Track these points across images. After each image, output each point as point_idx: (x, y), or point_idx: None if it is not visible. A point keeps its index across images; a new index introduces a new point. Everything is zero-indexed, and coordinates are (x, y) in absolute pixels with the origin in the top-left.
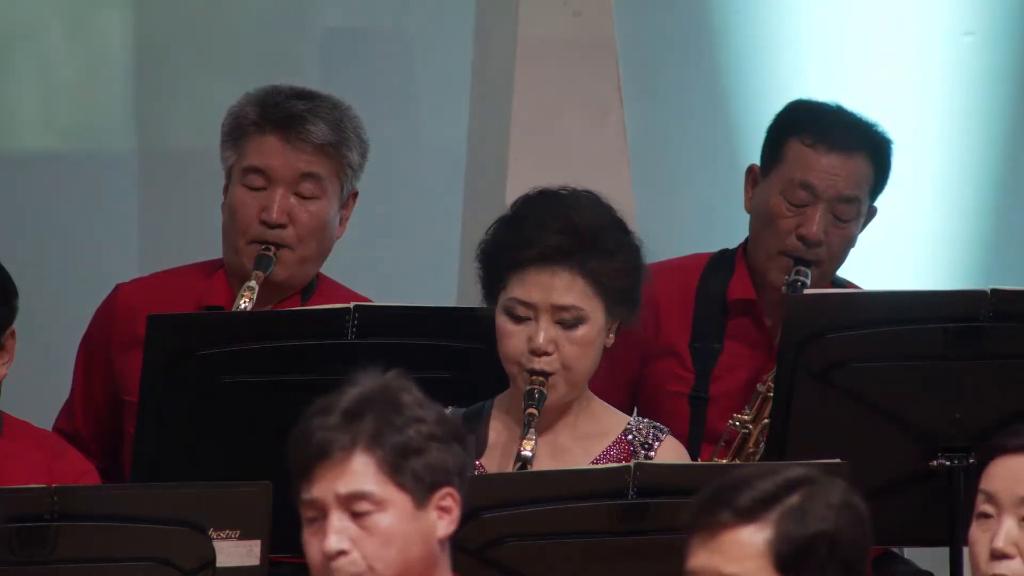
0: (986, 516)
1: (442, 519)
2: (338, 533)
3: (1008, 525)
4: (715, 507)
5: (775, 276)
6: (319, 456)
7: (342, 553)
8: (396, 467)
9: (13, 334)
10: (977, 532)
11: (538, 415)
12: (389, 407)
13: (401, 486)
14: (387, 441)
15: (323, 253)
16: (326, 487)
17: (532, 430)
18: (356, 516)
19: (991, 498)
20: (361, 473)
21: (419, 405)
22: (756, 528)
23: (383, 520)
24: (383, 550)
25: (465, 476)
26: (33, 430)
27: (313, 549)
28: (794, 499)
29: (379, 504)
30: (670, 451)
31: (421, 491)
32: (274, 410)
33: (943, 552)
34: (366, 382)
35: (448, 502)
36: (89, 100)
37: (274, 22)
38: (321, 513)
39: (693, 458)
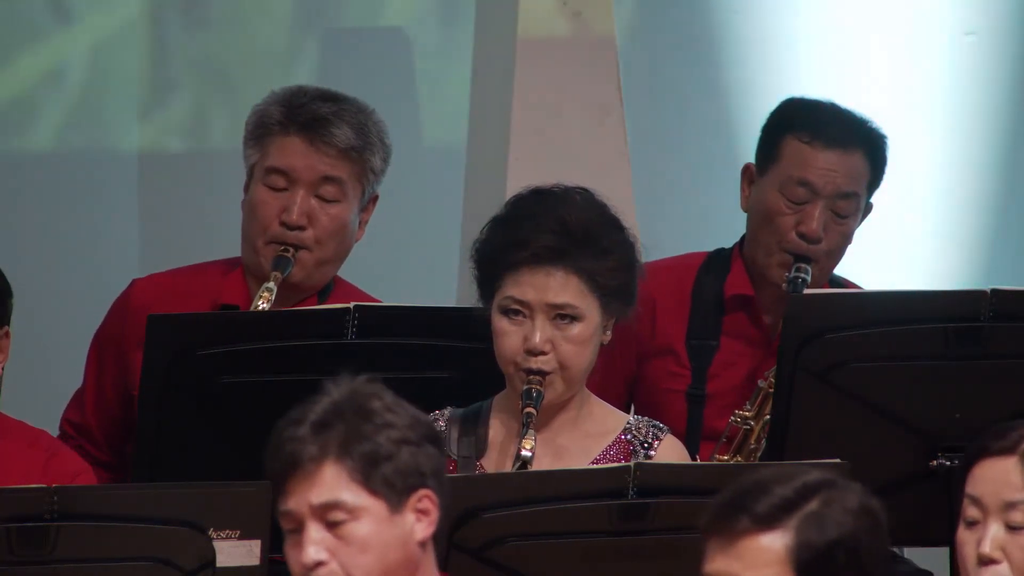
0: (973, 520)
1: (420, 521)
2: (315, 544)
3: (994, 530)
4: (734, 512)
5: (775, 273)
6: (291, 468)
7: (320, 564)
8: (367, 474)
9: (8, 334)
10: (965, 535)
11: (536, 414)
12: (358, 415)
13: (374, 492)
14: (356, 449)
15: (341, 256)
16: (300, 498)
17: (531, 430)
18: (332, 526)
19: (976, 502)
20: (332, 483)
21: (389, 410)
22: (776, 535)
23: (359, 528)
24: (361, 558)
25: (442, 476)
26: (27, 429)
27: (293, 561)
28: (813, 505)
29: (353, 512)
30: (670, 450)
31: (395, 496)
32: (274, 410)
33: (943, 552)
34: (335, 390)
35: (425, 504)
36: (90, 100)
37: (275, 22)
38: (298, 524)
39: (691, 456)
